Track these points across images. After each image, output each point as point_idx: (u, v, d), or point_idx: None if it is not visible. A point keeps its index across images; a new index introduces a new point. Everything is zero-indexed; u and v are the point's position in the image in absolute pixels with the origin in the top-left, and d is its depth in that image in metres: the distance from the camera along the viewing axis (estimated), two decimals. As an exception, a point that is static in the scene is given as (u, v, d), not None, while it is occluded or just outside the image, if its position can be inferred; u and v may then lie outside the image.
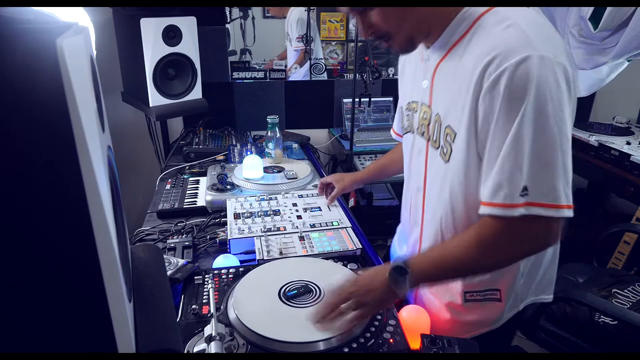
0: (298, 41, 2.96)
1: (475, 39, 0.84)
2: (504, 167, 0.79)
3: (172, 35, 1.83)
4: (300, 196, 1.51)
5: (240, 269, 1.09)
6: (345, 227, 1.31)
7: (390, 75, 2.98)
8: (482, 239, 0.84)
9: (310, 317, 0.88)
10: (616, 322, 1.47)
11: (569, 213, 0.80)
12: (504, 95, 0.77)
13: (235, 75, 2.58)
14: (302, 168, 1.75)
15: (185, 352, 0.82)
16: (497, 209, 0.81)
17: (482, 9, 0.85)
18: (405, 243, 1.16)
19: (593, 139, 2.36)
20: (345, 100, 2.65)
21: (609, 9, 1.95)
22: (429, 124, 0.96)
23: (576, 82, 0.79)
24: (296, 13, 2.95)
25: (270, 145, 1.82)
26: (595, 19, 2.02)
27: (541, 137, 0.77)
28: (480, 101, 0.81)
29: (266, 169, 1.71)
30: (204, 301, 0.98)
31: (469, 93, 0.82)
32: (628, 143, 2.29)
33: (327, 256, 1.17)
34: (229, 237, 1.24)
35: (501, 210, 0.80)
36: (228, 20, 2.77)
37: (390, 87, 2.73)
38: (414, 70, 1.04)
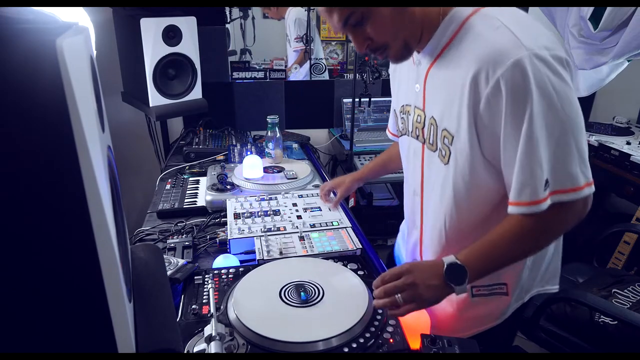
0: (296, 41, 2.95)
1: (465, 42, 0.84)
2: (524, 167, 0.81)
3: (172, 35, 1.83)
4: (300, 196, 1.51)
5: (240, 269, 1.09)
6: (345, 227, 1.31)
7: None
8: (518, 234, 0.87)
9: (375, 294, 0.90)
10: (616, 322, 1.46)
11: (590, 190, 0.84)
12: (507, 100, 0.78)
13: (235, 75, 2.58)
14: (302, 168, 1.75)
15: (185, 352, 0.82)
16: (525, 208, 0.83)
17: (468, 11, 0.85)
18: (405, 244, 1.16)
19: (593, 139, 2.36)
20: (345, 100, 2.65)
21: (609, 9, 1.94)
22: (423, 127, 0.97)
23: (571, 62, 0.80)
24: (294, 13, 2.94)
25: (270, 145, 1.82)
26: (595, 19, 2.02)
27: (553, 130, 0.79)
28: (482, 109, 0.82)
29: (266, 169, 1.71)
30: (204, 301, 0.98)
31: (464, 99, 0.83)
32: (628, 143, 2.29)
33: (327, 256, 1.17)
34: (229, 237, 1.24)
35: (529, 208, 0.83)
36: (228, 20, 2.77)
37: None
38: (407, 73, 1.03)
